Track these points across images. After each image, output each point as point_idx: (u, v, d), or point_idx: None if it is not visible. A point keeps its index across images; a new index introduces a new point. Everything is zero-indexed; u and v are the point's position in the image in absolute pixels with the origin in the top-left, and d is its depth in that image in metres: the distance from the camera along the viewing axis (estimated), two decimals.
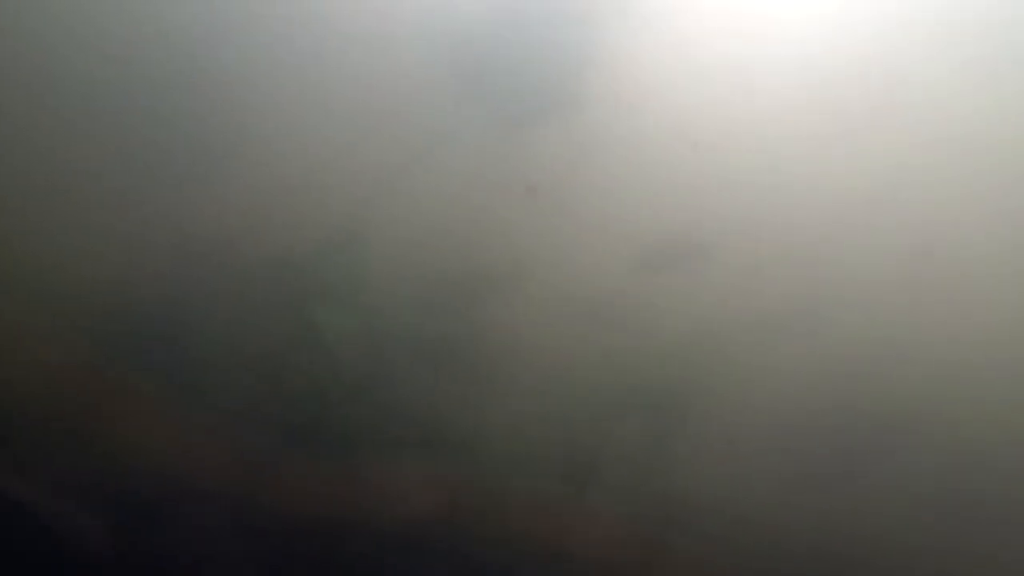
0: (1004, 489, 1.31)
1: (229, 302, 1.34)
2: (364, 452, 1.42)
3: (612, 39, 1.11)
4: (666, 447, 1.37)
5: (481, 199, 1.23)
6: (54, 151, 1.27)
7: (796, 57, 1.10)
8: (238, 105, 1.22)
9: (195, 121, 1.24)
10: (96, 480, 1.42)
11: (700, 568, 1.40)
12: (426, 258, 1.28)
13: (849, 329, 1.25)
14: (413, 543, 1.45)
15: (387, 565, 1.45)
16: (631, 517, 1.41)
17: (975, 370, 1.25)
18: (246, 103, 1.22)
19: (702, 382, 1.33)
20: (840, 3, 1.08)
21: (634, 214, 1.21)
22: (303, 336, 1.34)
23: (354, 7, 1.14)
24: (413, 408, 1.37)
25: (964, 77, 1.11)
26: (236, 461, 1.42)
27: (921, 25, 1.08)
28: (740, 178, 1.17)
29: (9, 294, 1.34)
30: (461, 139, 1.20)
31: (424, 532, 1.44)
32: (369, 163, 1.24)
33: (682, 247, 1.23)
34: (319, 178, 1.26)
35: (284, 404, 1.39)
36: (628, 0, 1.12)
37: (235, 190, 1.28)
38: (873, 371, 1.28)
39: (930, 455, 1.31)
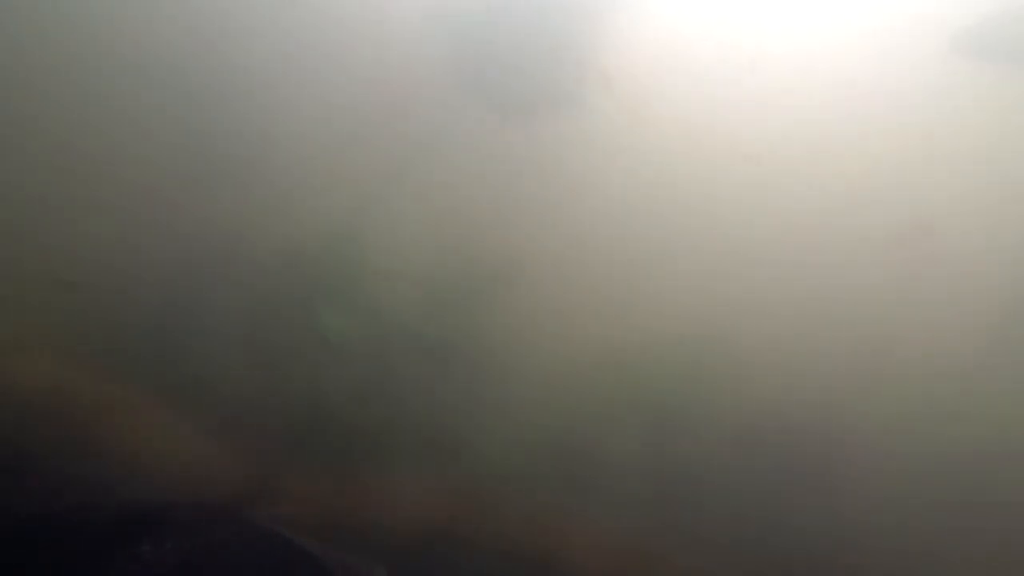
0: None
1: (231, 304, 1.34)
2: (364, 459, 1.41)
3: (612, 35, 1.12)
4: (665, 453, 1.36)
5: (481, 198, 1.23)
6: (55, 154, 1.28)
7: (796, 51, 1.11)
8: (238, 105, 1.23)
9: (196, 123, 1.25)
10: (97, 483, 1.41)
11: None
12: (426, 258, 1.28)
13: (854, 328, 1.25)
14: (412, 551, 1.44)
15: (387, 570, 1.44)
16: (629, 525, 1.41)
17: None
18: (246, 103, 1.22)
19: (704, 385, 1.32)
20: (841, 2, 1.09)
21: (635, 210, 1.22)
22: (304, 339, 1.34)
23: (355, 6, 1.15)
24: (413, 414, 1.37)
25: (956, 71, 1.12)
26: (237, 466, 1.41)
27: (918, 22, 1.09)
28: (740, 172, 1.18)
29: (9, 298, 1.34)
30: (461, 139, 1.20)
31: (423, 540, 1.43)
32: (370, 164, 1.24)
33: (682, 244, 1.23)
34: (319, 178, 1.26)
35: (286, 409, 1.39)
36: None
37: (235, 192, 1.28)
38: (879, 376, 1.28)
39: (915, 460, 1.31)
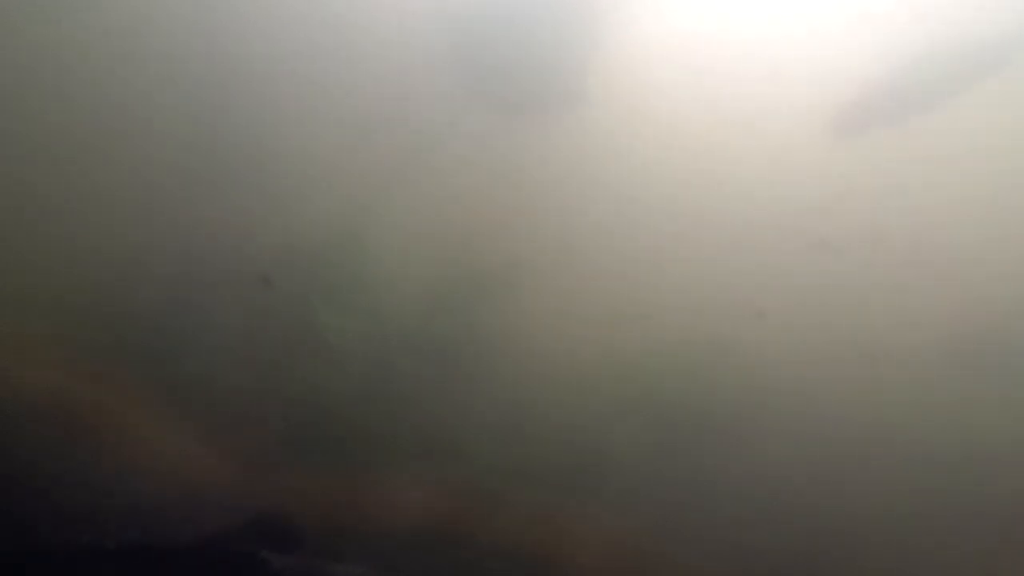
0: None
1: (230, 305, 1.34)
2: (363, 459, 1.41)
3: (614, 34, 1.11)
4: (665, 454, 1.36)
5: (482, 197, 1.23)
6: (55, 154, 1.28)
7: (798, 53, 1.10)
8: (238, 105, 1.22)
9: (195, 123, 1.24)
10: (96, 484, 1.42)
11: None
12: (426, 258, 1.28)
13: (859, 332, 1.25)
14: (411, 549, 1.44)
15: (385, 572, 1.45)
16: (630, 524, 1.41)
17: None
18: (246, 103, 1.22)
19: (705, 387, 1.32)
20: (842, 2, 1.09)
21: (638, 210, 1.21)
22: (304, 339, 1.34)
23: (355, 5, 1.14)
24: (413, 414, 1.37)
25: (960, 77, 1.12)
26: (236, 467, 1.41)
27: (922, 19, 1.08)
28: (741, 173, 1.17)
29: (9, 298, 1.34)
30: (462, 138, 1.20)
31: (422, 539, 1.44)
32: (370, 163, 1.24)
33: (684, 245, 1.23)
34: (319, 178, 1.26)
35: (284, 409, 1.39)
36: None
37: (236, 192, 1.28)
38: (885, 379, 1.28)
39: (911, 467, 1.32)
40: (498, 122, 1.19)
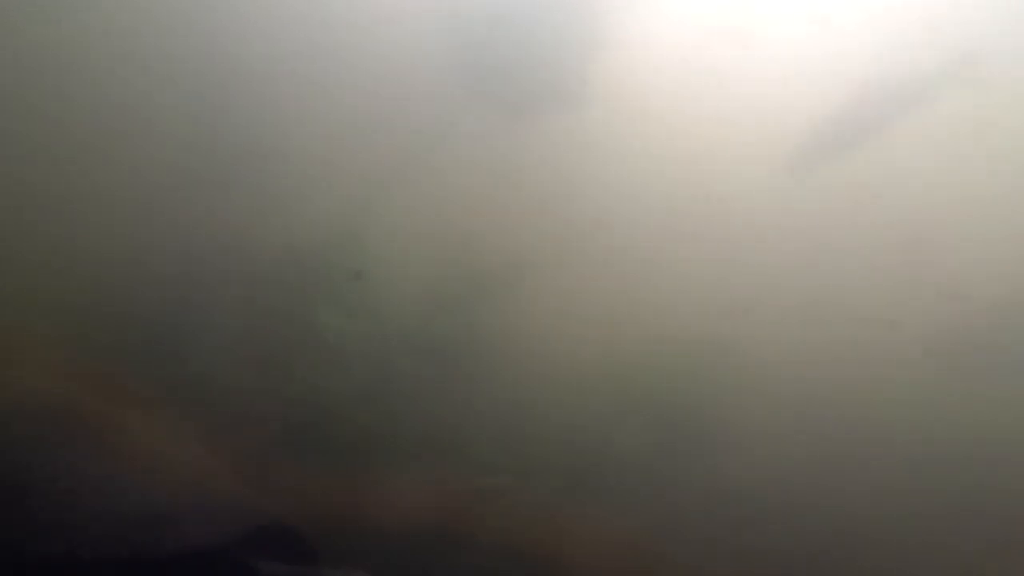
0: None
1: (230, 305, 1.33)
2: (363, 458, 1.41)
3: (614, 34, 1.11)
4: (665, 454, 1.36)
5: (482, 197, 1.23)
6: (54, 153, 1.27)
7: (800, 53, 1.10)
8: (238, 105, 1.22)
9: (195, 122, 1.24)
10: (93, 485, 1.41)
11: None
12: (426, 258, 1.28)
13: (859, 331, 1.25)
14: (412, 550, 1.44)
15: (386, 572, 1.44)
16: (630, 525, 1.40)
17: None
18: (246, 103, 1.22)
19: (705, 387, 1.32)
20: (847, 2, 1.09)
21: (639, 211, 1.21)
22: (304, 339, 1.34)
23: (355, 5, 1.14)
24: (413, 413, 1.37)
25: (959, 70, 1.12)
26: (235, 466, 1.41)
27: (920, 17, 1.09)
28: (742, 173, 1.17)
29: (9, 297, 1.34)
30: (462, 138, 1.20)
31: (423, 539, 1.43)
32: (369, 163, 1.24)
33: (684, 245, 1.23)
34: (319, 178, 1.26)
35: (284, 409, 1.39)
36: None
37: (236, 192, 1.28)
38: (886, 378, 1.28)
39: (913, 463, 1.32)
40: (498, 122, 1.18)
